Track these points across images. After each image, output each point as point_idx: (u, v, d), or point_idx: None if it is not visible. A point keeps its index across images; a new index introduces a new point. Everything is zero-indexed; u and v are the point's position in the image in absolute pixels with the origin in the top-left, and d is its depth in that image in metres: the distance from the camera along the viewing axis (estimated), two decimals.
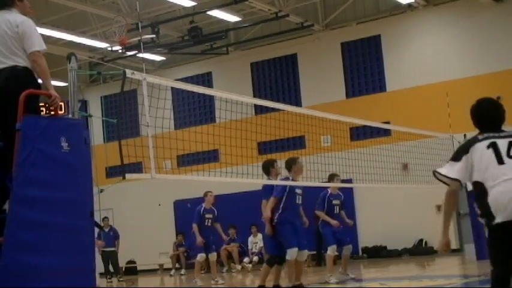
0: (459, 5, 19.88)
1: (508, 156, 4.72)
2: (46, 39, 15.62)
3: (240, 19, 20.78)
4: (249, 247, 20.62)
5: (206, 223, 14.68)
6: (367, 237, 20.25)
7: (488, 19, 19.41)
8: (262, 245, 19.87)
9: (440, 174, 4.95)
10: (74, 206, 5.65)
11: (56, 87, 6.09)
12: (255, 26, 22.00)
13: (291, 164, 10.47)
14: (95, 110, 23.86)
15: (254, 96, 21.78)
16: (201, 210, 14.72)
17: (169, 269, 21.22)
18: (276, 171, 10.40)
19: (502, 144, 4.79)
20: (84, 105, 23.69)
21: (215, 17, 20.59)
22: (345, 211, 13.18)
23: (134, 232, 22.59)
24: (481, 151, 4.84)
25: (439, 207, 19.65)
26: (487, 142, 4.86)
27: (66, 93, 6.19)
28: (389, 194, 18.04)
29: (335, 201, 12.64)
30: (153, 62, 24.16)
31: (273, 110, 10.57)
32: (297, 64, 22.39)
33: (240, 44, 23.02)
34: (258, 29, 22.28)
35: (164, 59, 24.01)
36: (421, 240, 20.00)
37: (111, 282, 19.84)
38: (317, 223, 13.01)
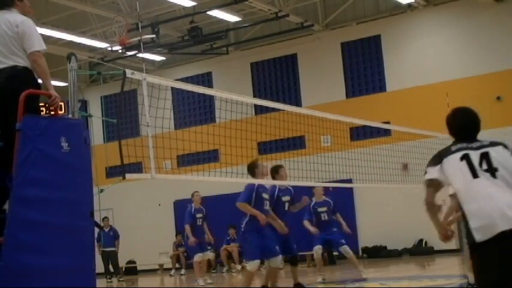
0: (459, 5, 19.88)
1: (481, 169, 4.60)
2: (46, 39, 15.63)
3: (240, 19, 20.78)
4: None
5: (198, 222, 14.91)
6: (367, 237, 20.25)
7: (488, 19, 19.42)
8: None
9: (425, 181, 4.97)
10: (74, 206, 5.65)
11: (56, 87, 6.09)
12: (255, 26, 22.01)
13: (253, 169, 9.88)
14: (95, 110, 23.86)
15: (254, 96, 21.78)
16: (192, 211, 14.94)
17: (169, 269, 21.22)
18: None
19: (475, 156, 4.68)
20: (84, 105, 23.69)
21: (215, 17, 20.59)
22: (341, 215, 13.16)
23: (134, 232, 22.60)
24: (454, 163, 4.77)
25: (439, 208, 19.62)
26: (459, 154, 4.78)
27: (66, 93, 6.19)
28: (389, 194, 18.02)
29: (320, 209, 12.80)
30: (153, 62, 24.17)
31: (273, 110, 10.56)
32: (297, 64, 22.40)
33: (240, 44, 23.02)
34: (258, 29, 22.28)
35: (164, 59, 24.02)
36: (421, 240, 19.99)
37: (111, 282, 19.85)
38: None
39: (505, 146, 4.74)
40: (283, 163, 11.04)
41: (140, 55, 21.03)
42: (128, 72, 6.89)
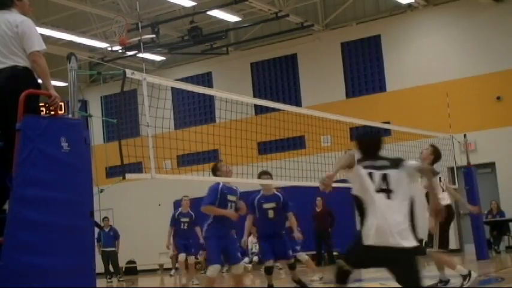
0: (459, 5, 19.88)
1: (379, 189, 5.44)
2: (46, 39, 15.64)
3: (240, 19, 20.78)
4: (249, 247, 20.61)
5: (182, 226, 15.30)
6: None
7: (488, 19, 19.41)
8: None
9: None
10: (74, 206, 5.65)
11: (56, 87, 6.09)
12: (255, 26, 22.00)
13: (215, 171, 9.45)
14: (95, 110, 23.85)
15: (254, 96, 21.77)
16: (176, 214, 15.41)
17: (169, 269, 21.21)
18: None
19: (377, 176, 5.49)
20: (84, 105, 23.69)
21: (215, 17, 20.59)
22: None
23: (134, 232, 22.59)
24: (363, 174, 5.57)
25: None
26: (367, 171, 5.55)
27: (66, 93, 6.18)
28: None
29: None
30: (153, 62, 24.17)
31: (273, 110, 10.56)
32: (297, 64, 22.39)
33: (240, 44, 23.02)
34: (258, 29, 22.28)
35: (164, 59, 24.02)
36: (421, 240, 19.93)
37: (111, 282, 19.85)
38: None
39: (402, 165, 5.59)
40: (283, 163, 11.03)
41: (140, 55, 21.03)
42: (128, 72, 6.89)
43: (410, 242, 5.35)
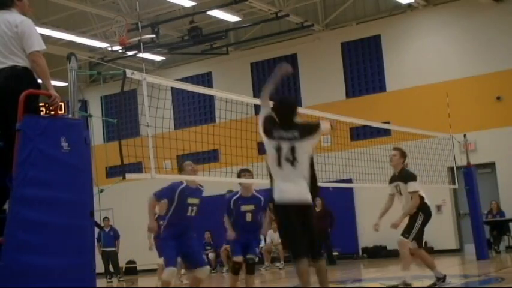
0: (459, 5, 19.88)
1: (286, 159, 6.48)
2: (46, 39, 15.65)
3: (240, 19, 20.77)
4: None
5: None
6: (367, 237, 20.23)
7: (488, 19, 19.41)
8: (262, 244, 19.89)
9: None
10: (74, 206, 5.65)
11: (56, 87, 6.09)
12: (255, 26, 22.00)
13: (180, 171, 9.04)
14: (95, 110, 23.85)
15: (254, 96, 21.71)
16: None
17: None
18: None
19: (285, 148, 6.50)
20: (84, 105, 23.69)
21: (215, 17, 20.59)
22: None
23: (134, 232, 22.56)
24: (270, 146, 6.58)
25: (439, 207, 19.65)
26: (275, 143, 6.53)
27: (66, 93, 6.18)
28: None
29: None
30: (153, 62, 24.16)
31: None
32: (297, 64, 22.37)
33: (240, 44, 23.02)
34: (258, 29, 22.28)
35: (164, 59, 24.01)
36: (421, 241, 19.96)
37: (111, 282, 19.85)
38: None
39: (313, 134, 6.66)
40: None
41: (140, 55, 21.03)
42: (128, 72, 6.89)
43: (310, 199, 6.62)
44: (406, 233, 9.57)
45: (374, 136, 19.05)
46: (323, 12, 21.85)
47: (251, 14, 21.32)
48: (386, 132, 17.68)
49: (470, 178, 15.89)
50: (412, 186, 9.61)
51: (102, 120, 21.99)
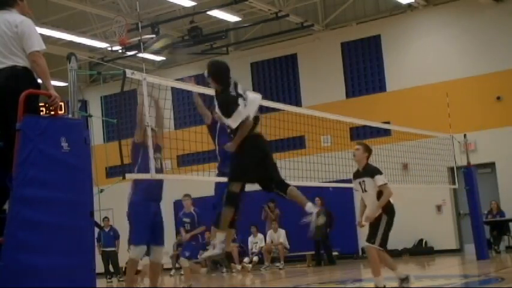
0: (459, 5, 19.88)
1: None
2: (46, 39, 15.64)
3: (240, 19, 20.77)
4: (249, 247, 20.62)
5: (186, 227, 14.91)
6: None
7: (488, 19, 19.41)
8: (262, 244, 19.90)
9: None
10: (74, 206, 5.65)
11: (56, 87, 6.08)
12: (255, 26, 22.00)
13: None
14: (95, 110, 23.85)
15: None
16: (180, 215, 14.87)
17: (170, 269, 21.21)
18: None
19: (241, 103, 7.66)
20: (84, 105, 23.70)
21: (215, 17, 20.58)
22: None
23: None
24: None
25: (439, 207, 19.66)
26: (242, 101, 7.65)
27: (66, 93, 6.18)
28: None
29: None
30: (153, 62, 24.16)
31: (273, 110, 10.56)
32: (297, 64, 22.38)
33: (240, 44, 23.02)
34: (258, 29, 22.28)
35: (164, 59, 24.00)
36: (421, 240, 19.99)
37: (111, 282, 19.85)
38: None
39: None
40: (283, 163, 10.99)
41: (140, 55, 21.02)
42: (128, 72, 6.89)
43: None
44: (371, 238, 9.37)
45: (374, 136, 19.05)
46: (323, 12, 21.85)
47: (251, 14, 21.32)
48: (387, 132, 17.68)
49: (470, 178, 15.89)
50: (380, 179, 9.30)
51: (102, 120, 21.99)
